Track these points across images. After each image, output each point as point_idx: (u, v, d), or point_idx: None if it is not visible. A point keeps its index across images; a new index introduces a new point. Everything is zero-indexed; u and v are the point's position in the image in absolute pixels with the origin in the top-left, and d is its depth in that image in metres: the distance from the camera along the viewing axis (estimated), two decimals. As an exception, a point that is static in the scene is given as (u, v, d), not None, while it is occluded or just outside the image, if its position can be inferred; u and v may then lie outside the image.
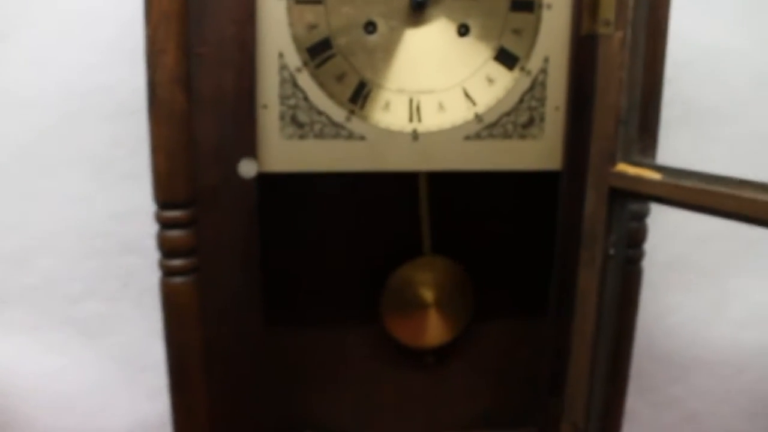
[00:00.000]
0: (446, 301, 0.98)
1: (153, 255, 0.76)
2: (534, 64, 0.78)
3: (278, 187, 0.84)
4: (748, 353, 1.21)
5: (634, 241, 0.82)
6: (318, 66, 0.74)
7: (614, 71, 0.72)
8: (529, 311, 0.96)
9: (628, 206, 0.77)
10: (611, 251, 0.76)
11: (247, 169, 0.74)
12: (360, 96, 0.76)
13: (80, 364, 1.10)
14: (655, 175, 0.70)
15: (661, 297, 1.16)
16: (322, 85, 0.75)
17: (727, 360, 1.21)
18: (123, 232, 1.07)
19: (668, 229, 1.11)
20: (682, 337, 1.20)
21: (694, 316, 1.20)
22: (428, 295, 0.98)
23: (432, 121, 0.77)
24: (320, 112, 0.75)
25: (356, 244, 0.96)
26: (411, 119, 0.77)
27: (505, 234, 0.98)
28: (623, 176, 0.73)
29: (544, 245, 0.85)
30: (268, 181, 0.76)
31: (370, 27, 0.75)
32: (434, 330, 0.98)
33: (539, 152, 0.80)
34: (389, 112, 0.77)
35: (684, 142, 1.10)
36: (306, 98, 0.75)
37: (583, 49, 0.76)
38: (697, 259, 1.18)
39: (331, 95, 0.75)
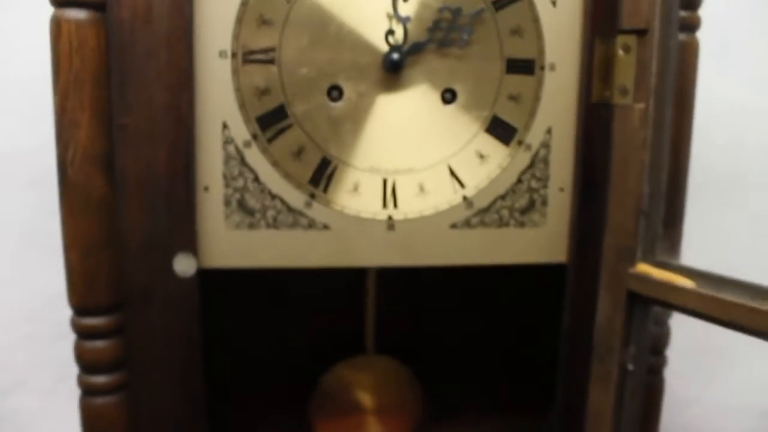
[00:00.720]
0: (386, 407, 0.86)
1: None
2: (534, 136, 0.68)
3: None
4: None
5: (656, 347, 0.70)
6: (271, 139, 0.65)
7: (634, 151, 0.59)
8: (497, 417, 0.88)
9: (651, 312, 0.64)
10: (630, 366, 0.63)
11: (184, 265, 0.64)
12: (323, 176, 0.66)
13: (7, 465, 1.01)
14: (686, 283, 0.57)
15: (678, 388, 1.04)
16: (275, 162, 0.65)
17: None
18: (57, 317, 0.94)
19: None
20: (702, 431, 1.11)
21: (714, 408, 1.11)
22: (365, 399, 0.86)
23: (411, 206, 0.68)
24: (274, 196, 0.66)
25: (294, 340, 0.86)
26: (385, 204, 0.67)
27: (469, 331, 0.89)
28: (645, 280, 0.60)
29: (517, 344, 0.81)
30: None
31: (334, 92, 0.66)
32: None
33: (541, 243, 0.70)
34: (359, 196, 0.67)
35: (702, 211, 0.98)
36: (256, 179, 0.65)
37: (594, 119, 0.66)
38: (717, 343, 1.08)
39: (287, 175, 0.66)
